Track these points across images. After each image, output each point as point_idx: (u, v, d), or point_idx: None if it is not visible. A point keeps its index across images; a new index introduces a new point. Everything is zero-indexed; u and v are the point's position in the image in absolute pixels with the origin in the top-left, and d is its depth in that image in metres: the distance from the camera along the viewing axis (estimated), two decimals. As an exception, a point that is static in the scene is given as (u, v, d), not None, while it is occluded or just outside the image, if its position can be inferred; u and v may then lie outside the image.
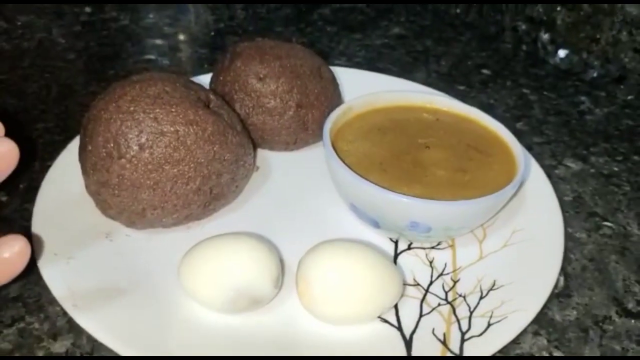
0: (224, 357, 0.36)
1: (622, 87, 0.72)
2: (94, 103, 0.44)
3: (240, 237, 0.40)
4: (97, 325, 0.37)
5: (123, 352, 0.36)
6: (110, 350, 0.37)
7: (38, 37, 0.77)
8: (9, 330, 0.39)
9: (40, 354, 0.38)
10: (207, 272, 0.38)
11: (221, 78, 0.54)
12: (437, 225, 0.42)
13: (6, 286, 0.41)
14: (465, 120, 0.52)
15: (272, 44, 0.54)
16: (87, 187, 0.45)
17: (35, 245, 0.42)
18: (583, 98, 0.71)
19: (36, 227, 0.43)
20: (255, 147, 0.53)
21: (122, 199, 0.43)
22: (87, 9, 0.86)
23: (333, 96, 0.56)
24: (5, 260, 0.32)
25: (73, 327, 0.39)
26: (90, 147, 0.43)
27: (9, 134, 0.56)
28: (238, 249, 0.39)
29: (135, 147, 0.42)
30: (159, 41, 0.79)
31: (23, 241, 0.32)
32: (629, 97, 0.71)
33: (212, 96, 0.47)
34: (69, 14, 0.84)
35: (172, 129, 0.42)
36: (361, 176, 0.42)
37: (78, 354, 0.38)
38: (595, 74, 0.75)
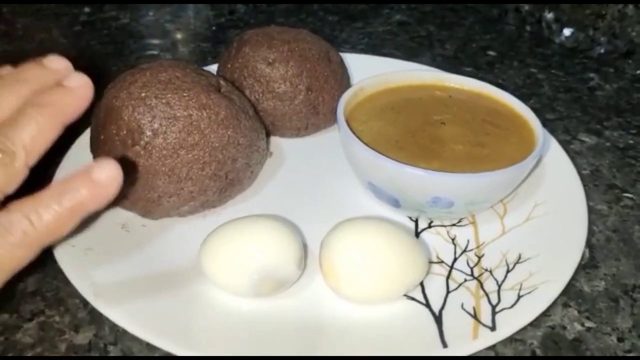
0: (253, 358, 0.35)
1: (630, 61, 0.72)
2: (104, 92, 0.44)
3: (260, 219, 0.39)
4: (120, 313, 0.36)
5: (149, 339, 0.35)
6: (134, 339, 0.37)
7: (39, 38, 0.76)
8: (29, 325, 0.38)
9: (63, 346, 0.37)
10: (229, 257, 0.37)
11: (229, 65, 0.53)
12: (460, 200, 0.42)
13: (23, 280, 0.41)
14: (479, 96, 0.51)
15: (279, 29, 0.54)
16: (100, 177, 0.44)
17: (51, 237, 0.41)
18: (592, 75, 0.70)
19: (51, 220, 0.42)
20: (268, 133, 0.52)
21: (137, 187, 0.42)
22: (86, 9, 0.85)
23: (342, 79, 0.55)
24: (99, 183, 0.31)
25: (94, 319, 0.38)
26: (102, 137, 0.42)
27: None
28: (259, 231, 0.38)
29: (149, 133, 0.41)
30: (160, 38, 0.78)
31: (114, 164, 0.31)
32: (638, 72, 0.70)
33: (222, 82, 0.47)
34: (68, 14, 0.83)
35: (185, 113, 0.41)
36: (380, 153, 0.42)
37: (101, 345, 0.37)
38: (602, 50, 0.74)
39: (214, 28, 0.82)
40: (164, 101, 0.41)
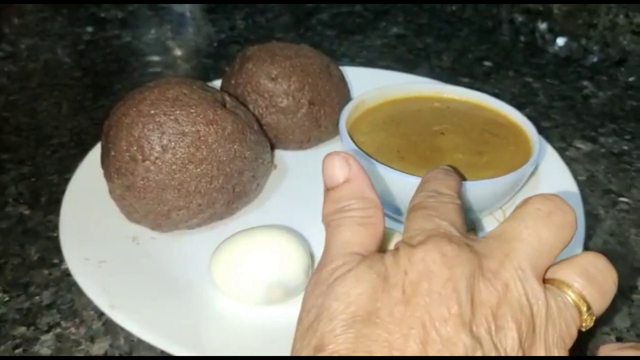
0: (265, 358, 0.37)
1: (623, 69, 0.73)
2: (113, 110, 0.45)
3: (269, 230, 0.40)
4: (136, 323, 0.37)
5: (163, 347, 0.36)
6: (149, 349, 0.38)
7: (44, 58, 0.78)
8: (46, 337, 0.39)
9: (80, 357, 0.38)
10: (239, 266, 0.39)
11: (232, 81, 0.54)
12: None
13: (39, 294, 0.42)
14: (476, 106, 0.53)
15: (281, 45, 0.55)
16: (111, 192, 0.45)
17: (66, 251, 0.42)
18: (585, 83, 0.72)
19: (64, 234, 0.44)
20: (272, 147, 0.54)
21: (147, 201, 0.43)
22: (89, 29, 0.87)
23: (343, 93, 0.57)
24: None
25: (109, 330, 0.40)
26: (113, 153, 0.43)
27: (24, 149, 0.57)
28: (268, 241, 0.39)
29: (159, 149, 0.42)
30: (162, 55, 0.80)
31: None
32: (631, 79, 0.72)
33: (227, 97, 0.48)
34: (72, 34, 0.85)
35: (193, 129, 0.43)
36: (382, 164, 0.43)
37: (117, 354, 0.38)
38: (595, 59, 0.76)
39: (215, 44, 0.83)
40: (172, 117, 0.43)
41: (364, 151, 0.45)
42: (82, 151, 0.55)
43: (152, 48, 0.82)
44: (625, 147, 0.60)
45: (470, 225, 0.47)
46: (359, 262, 0.29)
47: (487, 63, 0.77)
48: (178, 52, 0.82)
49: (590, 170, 0.56)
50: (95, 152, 0.50)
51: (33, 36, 0.84)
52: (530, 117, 0.50)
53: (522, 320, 0.27)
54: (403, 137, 0.48)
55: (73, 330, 0.40)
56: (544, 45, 0.80)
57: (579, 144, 0.60)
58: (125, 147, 0.43)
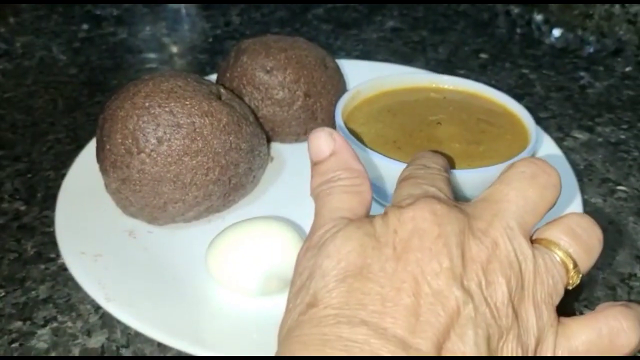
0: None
1: (619, 59, 0.73)
2: (108, 103, 0.45)
3: (265, 221, 0.40)
4: (132, 316, 0.37)
5: (161, 339, 0.36)
6: (146, 341, 0.38)
7: (39, 56, 0.78)
8: (43, 331, 0.39)
9: (76, 350, 0.38)
10: (236, 258, 0.39)
11: (228, 75, 0.54)
12: (458, 196, 0.43)
13: (35, 289, 0.42)
14: (473, 96, 0.52)
15: (275, 38, 0.55)
16: (107, 186, 0.45)
17: (62, 245, 0.42)
18: (582, 73, 0.72)
19: (60, 228, 0.43)
20: (268, 139, 0.53)
21: (143, 194, 0.43)
22: (85, 26, 0.86)
23: (339, 85, 0.57)
24: None
25: (106, 323, 0.39)
26: (108, 146, 0.43)
27: (20, 146, 0.57)
28: (264, 232, 0.39)
29: (154, 141, 0.42)
30: (158, 51, 0.80)
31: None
32: (627, 69, 0.72)
33: (222, 90, 0.48)
34: (67, 32, 0.85)
35: (188, 120, 0.43)
36: (379, 153, 0.43)
37: (114, 348, 0.38)
38: (591, 50, 0.76)
39: (210, 40, 0.83)
40: (167, 109, 0.42)
41: (360, 141, 0.45)
42: (78, 147, 0.55)
43: (148, 45, 0.82)
44: (622, 137, 0.59)
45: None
46: (348, 223, 0.29)
47: (483, 55, 0.77)
48: (173, 49, 0.81)
49: (588, 159, 0.56)
50: (91, 148, 0.50)
51: (28, 34, 0.84)
52: (528, 108, 0.49)
53: (511, 276, 0.27)
54: (399, 128, 0.48)
55: (70, 324, 0.40)
56: (540, 37, 0.80)
57: (577, 133, 0.60)
58: (120, 140, 0.42)
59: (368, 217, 0.31)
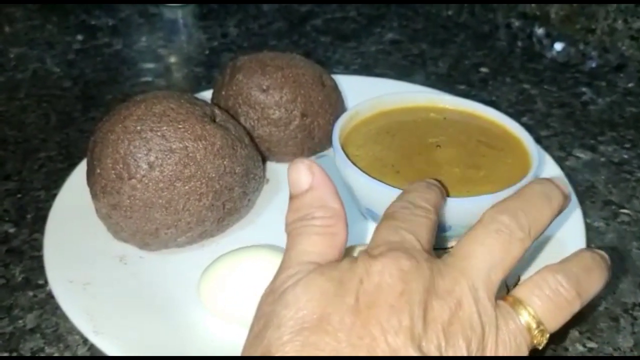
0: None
1: (622, 75, 0.72)
2: (99, 126, 0.44)
3: (257, 249, 0.39)
4: (119, 349, 0.36)
5: (150, 376, 0.35)
6: (135, 375, 0.36)
7: (32, 68, 0.76)
8: (29, 363, 0.38)
9: (63, 384, 0.37)
10: (229, 288, 0.37)
11: (223, 93, 0.53)
12: (457, 223, 0.42)
13: (22, 318, 0.41)
14: (473, 116, 0.51)
15: (272, 55, 0.54)
16: (97, 211, 0.44)
17: (50, 273, 0.41)
18: (584, 89, 0.71)
19: (48, 255, 0.42)
20: (264, 159, 0.52)
21: (134, 220, 0.42)
22: (79, 37, 0.85)
23: (337, 103, 0.55)
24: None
25: (94, 355, 0.38)
26: (99, 170, 0.42)
27: (10, 163, 0.55)
28: (257, 261, 0.38)
29: (145, 166, 0.41)
30: (154, 63, 0.79)
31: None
32: (630, 85, 0.71)
33: (217, 111, 0.47)
34: (61, 43, 0.84)
35: (180, 145, 0.41)
36: (376, 179, 0.42)
37: (102, 382, 0.37)
38: (594, 65, 0.74)
39: (207, 52, 0.82)
40: (159, 134, 0.41)
41: (357, 166, 0.44)
42: (71, 165, 0.54)
43: (144, 56, 0.81)
44: (625, 156, 0.58)
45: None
46: (312, 270, 0.29)
47: (483, 69, 0.76)
48: (169, 61, 0.80)
49: (590, 180, 0.55)
50: (83, 167, 0.49)
51: (22, 45, 0.83)
52: (529, 126, 0.49)
53: (473, 339, 0.27)
54: (398, 150, 0.47)
55: (57, 355, 0.38)
56: (542, 50, 0.79)
57: (579, 153, 0.59)
58: (110, 165, 0.41)
59: (336, 261, 0.30)
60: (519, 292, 0.30)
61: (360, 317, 0.26)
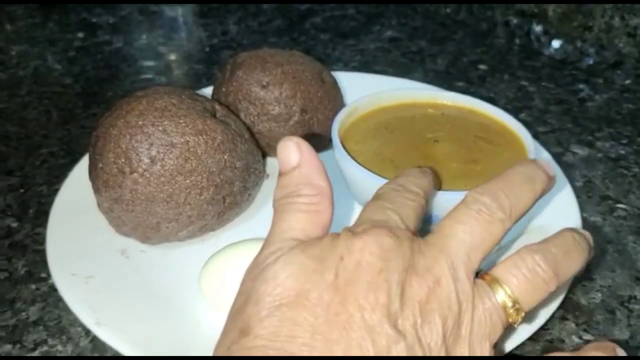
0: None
1: (619, 72, 0.73)
2: (101, 121, 0.44)
3: (258, 242, 0.39)
4: (123, 341, 0.36)
5: (152, 366, 0.35)
6: (137, 366, 0.37)
7: (33, 65, 0.77)
8: (32, 354, 0.38)
9: (66, 375, 0.37)
10: (230, 281, 0.38)
11: (223, 89, 0.53)
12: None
13: (25, 310, 0.41)
14: (471, 112, 0.52)
15: (272, 52, 0.54)
16: (99, 205, 0.44)
17: (52, 267, 0.41)
18: (582, 86, 0.71)
19: (51, 249, 0.43)
20: (264, 155, 0.53)
21: (136, 214, 0.42)
22: (80, 35, 0.86)
23: (336, 99, 0.56)
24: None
25: (96, 347, 0.39)
26: (101, 165, 0.42)
27: (13, 159, 0.56)
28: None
29: (147, 161, 0.41)
30: (154, 61, 0.79)
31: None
32: (627, 82, 0.71)
33: (217, 106, 0.47)
34: (62, 40, 0.84)
35: (182, 139, 0.42)
36: (375, 173, 0.42)
37: (105, 373, 0.37)
38: (591, 62, 0.75)
39: (207, 49, 0.83)
40: (160, 128, 0.42)
41: (356, 161, 0.44)
42: (72, 161, 0.54)
43: (144, 53, 0.81)
44: (622, 152, 0.59)
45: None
46: (293, 247, 0.29)
47: (482, 66, 0.76)
48: (170, 58, 0.81)
49: (587, 176, 0.55)
50: (84, 162, 0.49)
51: (23, 42, 0.83)
52: (526, 122, 0.49)
53: (449, 317, 0.28)
54: (396, 146, 0.47)
55: (60, 347, 0.39)
56: (540, 48, 0.80)
57: (576, 148, 0.59)
58: (112, 159, 0.42)
59: (318, 238, 0.30)
60: (497, 271, 0.30)
61: (339, 293, 0.26)
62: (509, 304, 0.29)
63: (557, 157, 0.56)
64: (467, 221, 0.31)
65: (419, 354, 0.26)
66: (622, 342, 0.39)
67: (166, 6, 0.94)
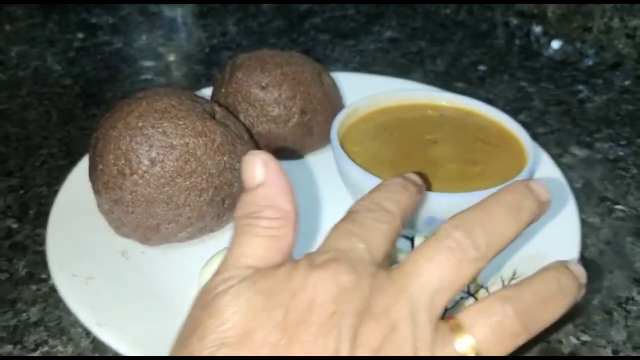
0: None
1: (618, 73, 0.73)
2: (101, 122, 0.44)
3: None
4: (124, 341, 0.36)
5: (152, 367, 0.35)
6: (137, 367, 0.37)
7: (33, 66, 0.77)
8: (33, 355, 0.38)
9: (67, 376, 0.37)
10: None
11: (223, 90, 0.54)
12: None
13: (26, 311, 0.41)
14: (470, 113, 0.52)
15: (271, 53, 0.55)
16: (99, 206, 0.44)
17: (53, 268, 0.41)
18: (581, 87, 0.71)
19: (51, 250, 0.43)
20: (263, 156, 0.53)
21: (136, 215, 0.42)
22: (80, 35, 0.86)
23: (335, 100, 0.56)
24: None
25: (97, 348, 0.39)
26: (101, 166, 0.42)
27: (13, 160, 0.56)
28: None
29: (147, 162, 0.41)
30: (154, 61, 0.79)
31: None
32: (626, 83, 0.72)
33: (217, 108, 0.47)
34: (62, 41, 0.84)
35: (181, 141, 0.42)
36: (374, 175, 0.42)
37: (105, 374, 0.37)
38: (590, 63, 0.75)
39: (206, 50, 0.83)
40: (160, 130, 0.42)
41: (355, 162, 0.44)
42: (72, 162, 0.54)
43: (144, 54, 0.81)
44: (621, 153, 0.59)
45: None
46: (245, 278, 0.27)
47: (481, 67, 0.77)
48: (169, 59, 0.81)
49: (586, 177, 0.55)
50: (84, 163, 0.49)
51: (23, 43, 0.83)
52: (526, 123, 0.49)
53: None
54: (396, 147, 0.47)
55: (60, 348, 0.39)
56: (539, 49, 0.80)
57: (575, 150, 0.60)
58: (112, 161, 0.42)
59: (274, 267, 0.28)
60: (462, 317, 0.27)
61: (287, 333, 0.25)
62: (471, 354, 0.27)
63: (556, 158, 0.56)
64: (435, 258, 0.28)
65: None
66: (620, 343, 0.39)
67: (166, 7, 0.94)
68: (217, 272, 0.29)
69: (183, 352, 0.26)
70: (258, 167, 0.30)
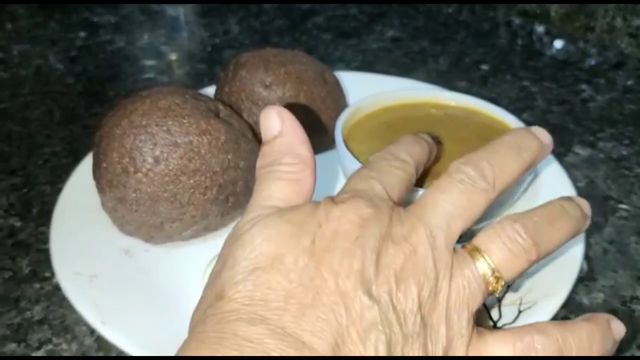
0: None
1: (621, 72, 0.73)
2: (104, 120, 0.44)
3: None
4: (128, 339, 0.36)
5: (157, 365, 0.35)
6: (142, 365, 0.37)
7: (35, 64, 0.77)
8: (37, 353, 0.38)
9: (71, 374, 0.37)
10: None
11: (226, 89, 0.54)
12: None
13: (30, 309, 0.41)
14: (474, 112, 0.52)
15: (274, 52, 0.55)
16: (103, 204, 0.44)
17: (56, 266, 0.41)
18: (584, 86, 0.71)
19: (55, 248, 0.43)
20: (266, 154, 0.53)
21: (140, 213, 0.42)
22: (82, 34, 0.86)
23: (339, 99, 0.56)
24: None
25: (101, 346, 0.39)
26: (105, 164, 0.42)
27: (16, 159, 0.56)
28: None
29: (151, 160, 0.41)
30: (156, 60, 0.79)
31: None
32: (629, 82, 0.71)
33: (220, 106, 0.47)
34: (64, 40, 0.84)
35: (185, 139, 0.42)
36: (378, 173, 0.42)
37: (109, 372, 0.37)
38: (593, 62, 0.75)
39: (209, 49, 0.83)
40: (164, 128, 0.42)
41: (359, 160, 0.44)
42: (75, 160, 0.54)
43: (146, 53, 0.81)
44: (624, 152, 0.59)
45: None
46: (272, 212, 0.29)
47: (484, 67, 0.77)
48: (172, 57, 0.81)
49: (589, 176, 0.55)
50: (87, 162, 0.49)
51: (25, 42, 0.83)
52: (529, 122, 0.49)
53: (425, 284, 0.27)
54: (400, 146, 0.47)
55: (65, 346, 0.39)
56: (542, 48, 0.80)
57: (578, 149, 0.60)
58: (116, 159, 0.42)
59: (298, 205, 0.30)
60: (477, 240, 0.30)
61: (314, 258, 0.26)
62: (489, 272, 0.29)
63: (560, 157, 0.56)
64: (448, 190, 0.30)
65: (393, 320, 0.26)
66: (623, 341, 0.39)
67: (168, 6, 0.94)
68: (244, 215, 0.30)
69: (215, 284, 0.27)
70: (275, 119, 0.32)
